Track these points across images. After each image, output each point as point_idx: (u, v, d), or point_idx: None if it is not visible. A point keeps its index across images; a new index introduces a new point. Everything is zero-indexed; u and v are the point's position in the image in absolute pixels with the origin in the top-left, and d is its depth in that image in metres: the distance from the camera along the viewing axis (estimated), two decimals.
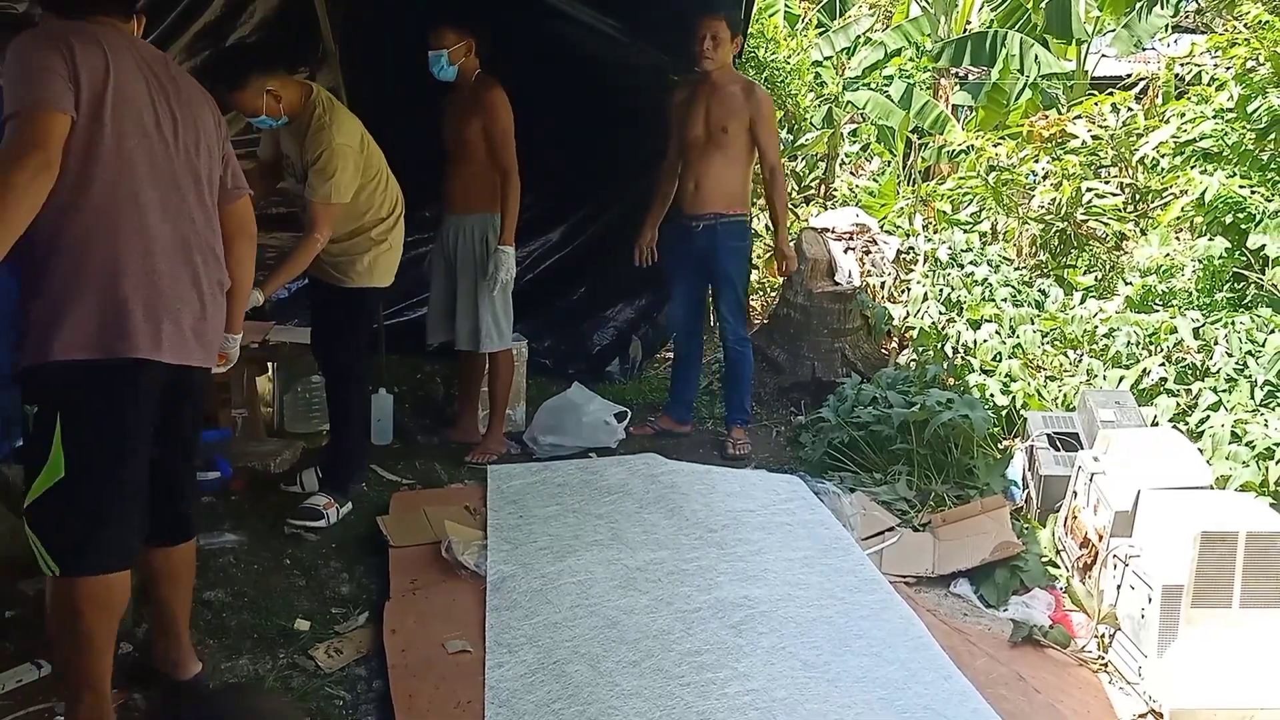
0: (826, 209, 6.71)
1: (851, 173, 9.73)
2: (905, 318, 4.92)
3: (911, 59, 9.74)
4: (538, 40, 4.47)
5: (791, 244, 4.39)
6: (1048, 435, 3.51)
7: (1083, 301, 4.65)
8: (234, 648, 2.65)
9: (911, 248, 5.49)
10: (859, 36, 9.41)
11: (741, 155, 4.08)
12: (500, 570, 2.98)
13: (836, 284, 4.99)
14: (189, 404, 2.29)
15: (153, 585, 2.38)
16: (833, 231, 5.36)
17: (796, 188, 7.54)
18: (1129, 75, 7.98)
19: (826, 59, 9.17)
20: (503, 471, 3.74)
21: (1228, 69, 5.14)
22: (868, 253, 5.28)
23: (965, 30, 8.93)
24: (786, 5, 9.18)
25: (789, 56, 7.34)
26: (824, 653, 2.66)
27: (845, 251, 5.15)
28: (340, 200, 3.17)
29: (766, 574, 3.06)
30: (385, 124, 3.62)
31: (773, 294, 5.89)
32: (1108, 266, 5.39)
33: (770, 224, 4.49)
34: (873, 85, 9.31)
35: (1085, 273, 5.27)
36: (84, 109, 1.97)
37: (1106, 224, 5.44)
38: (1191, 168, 4.89)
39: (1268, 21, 5.00)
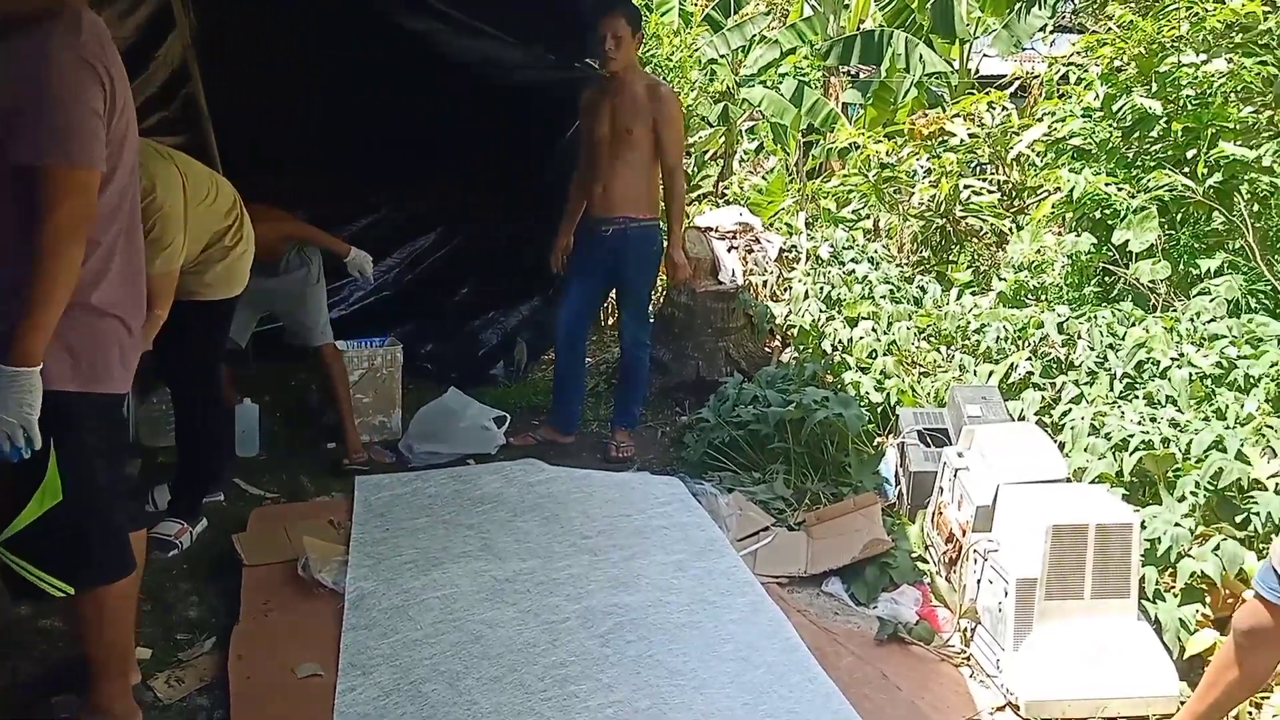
0: (718, 208, 6.71)
1: (751, 171, 9.79)
2: (787, 316, 4.94)
3: (806, 57, 9.84)
4: (415, 40, 4.35)
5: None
6: (918, 431, 3.55)
7: (959, 297, 4.73)
8: (68, 678, 2.48)
9: (794, 246, 5.52)
10: (754, 35, 9.46)
11: (648, 157, 3.99)
12: (360, 587, 2.87)
13: (720, 283, 4.98)
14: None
15: None
16: (716, 230, 5.36)
17: (687, 186, 7.52)
18: (1009, 75, 8.21)
19: (722, 56, 9.19)
20: (371, 483, 3.62)
21: (1095, 68, 5.29)
22: (751, 251, 5.29)
23: (858, 29, 9.05)
24: (681, 4, 9.19)
25: (671, 54, 7.32)
26: (691, 660, 2.63)
27: (729, 250, 5.15)
28: (176, 265, 2.85)
29: (639, 580, 3.02)
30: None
31: (658, 294, 5.86)
32: (986, 262, 5.50)
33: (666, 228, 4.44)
34: (768, 83, 9.37)
35: (965, 268, 5.37)
36: (110, 146, 1.94)
37: (984, 221, 5.55)
38: (1063, 166, 5.02)
39: (1133, 22, 5.16)
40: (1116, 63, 5.19)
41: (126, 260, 2.08)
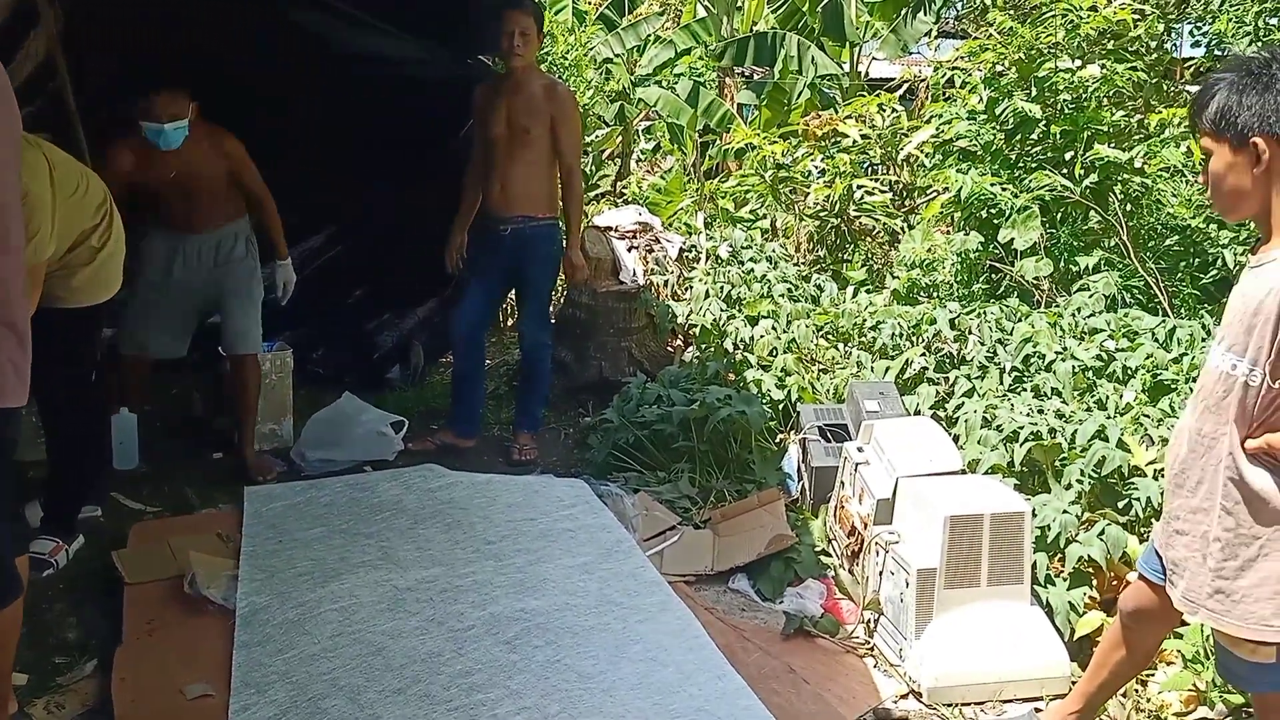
0: (617, 207, 6.71)
1: (648, 170, 9.83)
2: (688, 315, 4.96)
3: (701, 58, 9.93)
4: (302, 33, 4.21)
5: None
6: (819, 427, 3.60)
7: (855, 295, 4.83)
8: None
9: (694, 245, 5.55)
10: (649, 35, 9.50)
11: (546, 156, 3.94)
12: (252, 602, 2.75)
13: (621, 283, 4.97)
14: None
15: None
16: (616, 230, 5.35)
17: (585, 186, 7.50)
18: (898, 78, 8.45)
19: (617, 56, 9.20)
20: (261, 493, 3.48)
21: (979, 72, 5.48)
22: (651, 251, 5.29)
23: (751, 31, 9.18)
24: (575, 2, 9.17)
25: (566, 52, 7.29)
26: (600, 662, 2.60)
27: (629, 250, 5.15)
28: (45, 256, 2.67)
29: (545, 584, 2.98)
30: None
31: (559, 295, 5.83)
32: (880, 261, 5.64)
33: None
34: (663, 83, 9.42)
35: (860, 267, 5.49)
36: None
37: (877, 220, 5.69)
38: (950, 166, 5.18)
39: (1013, 29, 5.36)
40: (998, 68, 5.38)
41: (8, 262, 1.96)
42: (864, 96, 6.70)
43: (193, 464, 3.85)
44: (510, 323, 5.65)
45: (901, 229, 5.78)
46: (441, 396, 4.67)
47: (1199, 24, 6.26)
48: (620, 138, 9.29)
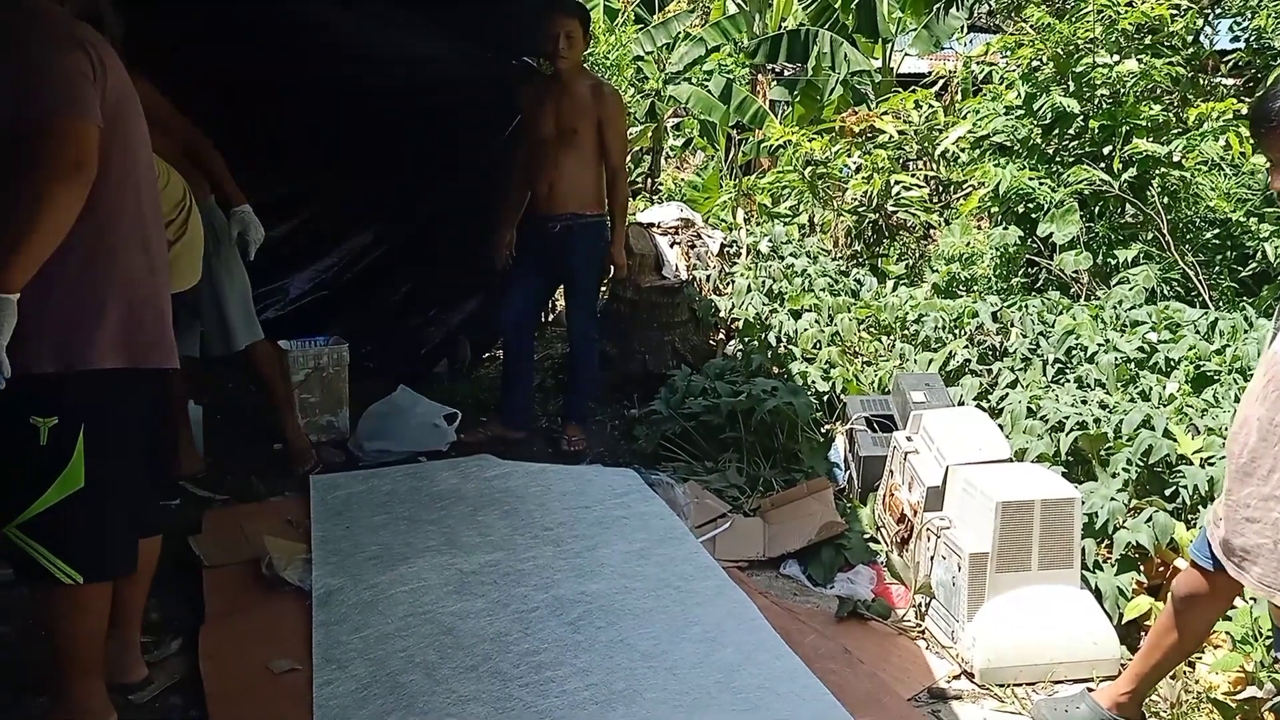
0: (653, 203, 6.80)
1: (677, 167, 9.91)
2: (730, 309, 5.04)
3: (730, 55, 10.00)
4: (348, 38, 4.32)
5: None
6: (865, 418, 3.67)
7: (894, 289, 4.89)
8: (31, 685, 2.42)
9: (734, 241, 5.63)
10: (679, 32, 9.58)
11: (593, 155, 4.01)
12: (326, 584, 2.87)
13: (664, 278, 5.06)
14: (163, 403, 2.34)
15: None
16: (658, 226, 5.43)
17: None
18: (930, 74, 8.48)
19: (647, 54, 9.29)
20: (326, 481, 3.60)
21: (1016, 68, 5.52)
22: (693, 247, 5.38)
23: (781, 28, 9.24)
24: (606, 1, 9.25)
25: (608, 52, 7.38)
26: (661, 642, 2.69)
27: (671, 246, 5.23)
28: None
29: (603, 569, 3.07)
30: None
31: (603, 290, 5.92)
32: (917, 255, 5.70)
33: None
34: (694, 80, 9.50)
35: (897, 261, 5.55)
36: (105, 114, 1.94)
37: (914, 215, 5.74)
38: (987, 161, 5.23)
39: (1049, 24, 5.40)
40: (1035, 63, 5.43)
41: (154, 236, 2.13)
42: (897, 93, 6.75)
43: (254, 454, 3.96)
44: (552, 318, 5.75)
45: (938, 224, 5.83)
46: (488, 390, 4.78)
47: (1238, 19, 6.26)
48: (651, 134, 9.37)
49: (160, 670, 2.53)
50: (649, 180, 8.51)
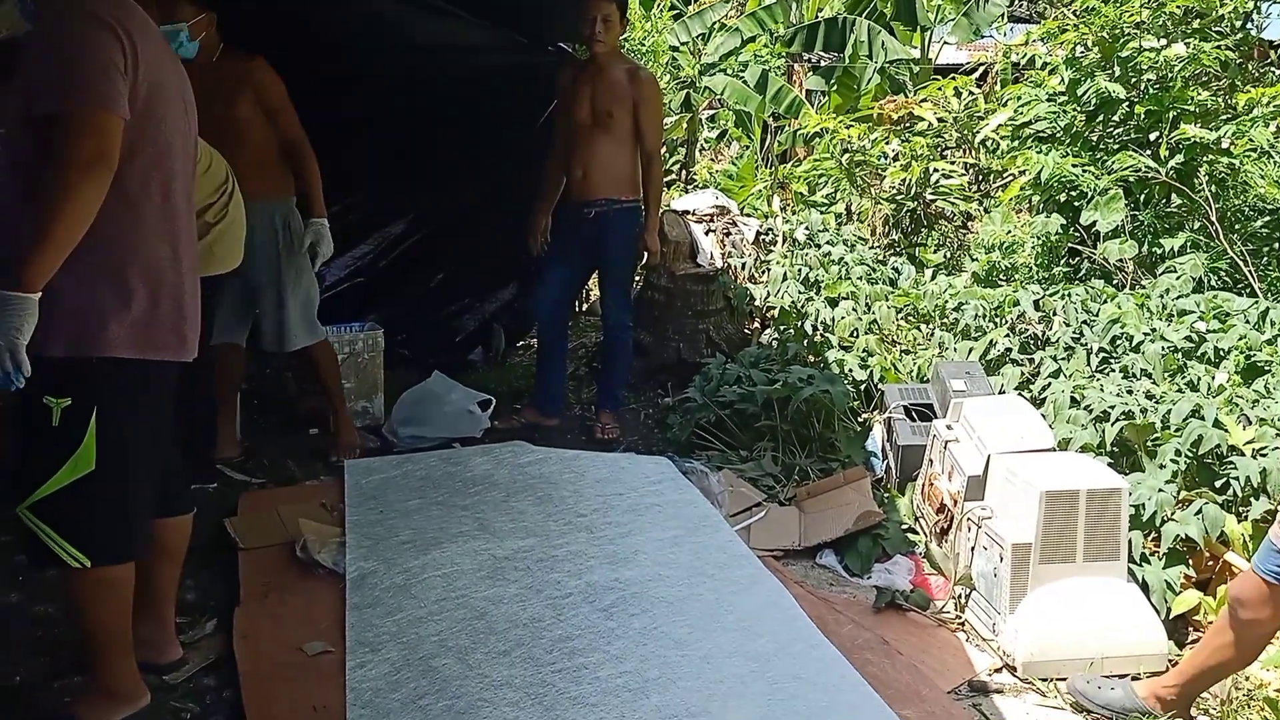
0: (687, 193, 6.75)
1: (711, 158, 9.85)
2: (766, 297, 4.99)
3: (766, 45, 9.91)
4: (380, 24, 4.31)
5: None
6: (904, 407, 3.62)
7: (933, 278, 4.82)
8: (71, 662, 2.44)
9: (770, 229, 5.57)
10: (714, 23, 9.50)
11: (629, 140, 3.98)
12: (360, 567, 2.86)
13: (699, 266, 5.01)
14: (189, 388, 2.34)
15: (144, 562, 2.27)
16: (693, 214, 5.39)
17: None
18: (967, 63, 8.35)
19: (683, 44, 9.23)
20: (361, 466, 3.60)
21: (1060, 53, 5.41)
22: (728, 234, 5.33)
23: (817, 16, 9.14)
24: None
25: (644, 39, 7.33)
26: (696, 630, 2.66)
27: (706, 234, 5.19)
28: None
29: (637, 556, 3.04)
30: None
31: (638, 278, 5.90)
32: (955, 244, 5.61)
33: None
34: (729, 71, 9.42)
35: (935, 250, 5.47)
36: (135, 103, 1.93)
37: (953, 203, 5.65)
38: (1028, 149, 5.13)
39: (1094, 7, 5.29)
40: (1079, 48, 5.32)
41: (183, 226, 2.12)
42: (935, 80, 6.65)
43: (289, 438, 3.98)
44: (585, 307, 5.73)
45: (977, 213, 5.74)
46: (522, 377, 4.77)
47: None
48: (686, 125, 9.32)
49: (195, 650, 2.53)
50: (684, 171, 8.46)
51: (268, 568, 2.88)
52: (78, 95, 1.86)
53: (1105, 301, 4.01)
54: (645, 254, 4.16)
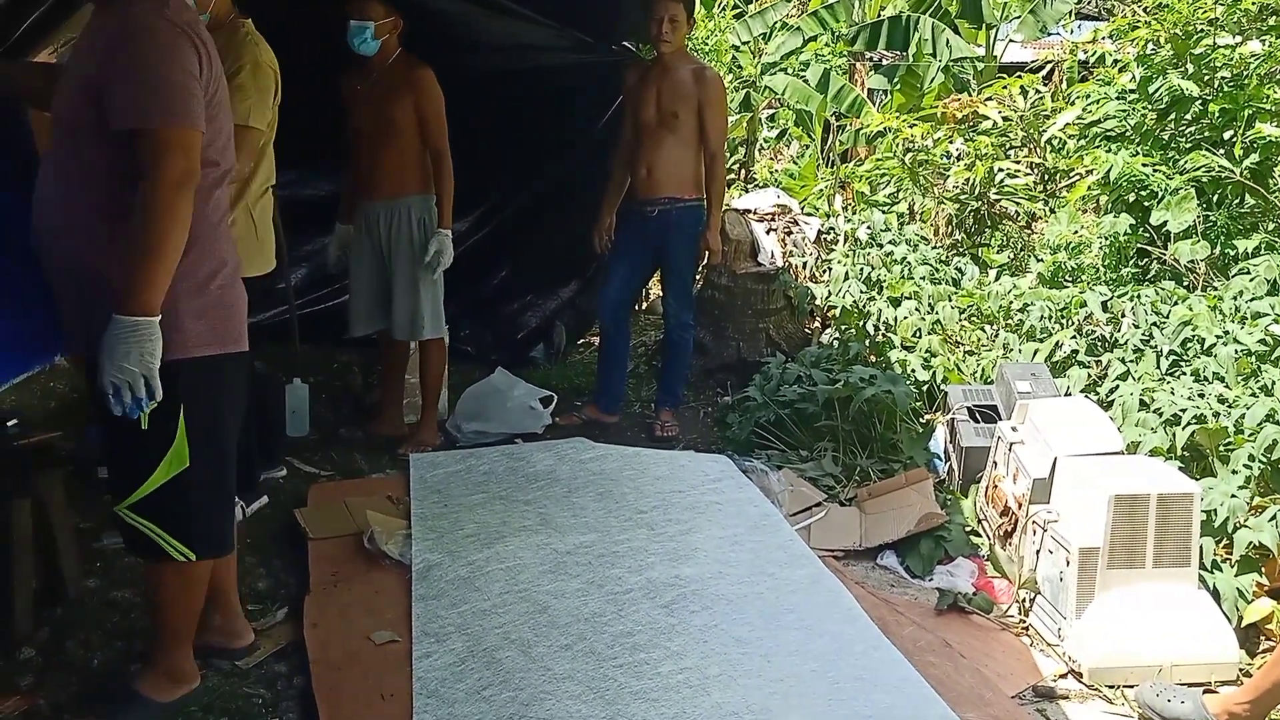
0: (747, 192, 6.75)
1: (771, 158, 9.80)
2: (827, 297, 4.97)
3: (828, 44, 9.84)
4: (446, 24, 4.38)
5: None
6: (968, 408, 3.58)
7: (997, 278, 4.75)
8: (132, 652, 2.52)
9: (832, 228, 5.55)
10: (776, 22, 9.46)
11: (693, 139, 4.00)
12: (426, 559, 2.92)
13: (759, 265, 5.01)
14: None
15: None
16: (755, 213, 5.38)
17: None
18: (1033, 61, 8.21)
19: (744, 44, 9.20)
20: (426, 460, 3.66)
21: (1130, 51, 5.30)
22: (789, 233, 5.32)
23: (879, 15, 9.05)
24: None
25: (706, 38, 7.34)
26: (756, 629, 2.67)
27: (767, 232, 5.18)
28: (258, 126, 2.92)
29: (697, 553, 3.06)
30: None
31: (699, 276, 5.91)
32: (1020, 244, 5.53)
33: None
34: (790, 70, 9.37)
35: (999, 250, 5.39)
36: (207, 110, 2.01)
37: (1018, 203, 5.57)
38: (1096, 148, 5.03)
39: (1166, 4, 5.17)
40: (1150, 45, 5.20)
41: (239, 223, 2.20)
42: (1001, 79, 6.55)
43: (356, 432, 4.07)
44: (645, 305, 5.76)
45: (1043, 213, 5.65)
46: (583, 375, 4.81)
47: None
48: (746, 125, 9.29)
49: (266, 637, 2.61)
50: (743, 170, 8.44)
51: (336, 558, 2.95)
52: (167, 113, 1.91)
53: (1176, 303, 3.93)
54: (706, 253, 4.17)
